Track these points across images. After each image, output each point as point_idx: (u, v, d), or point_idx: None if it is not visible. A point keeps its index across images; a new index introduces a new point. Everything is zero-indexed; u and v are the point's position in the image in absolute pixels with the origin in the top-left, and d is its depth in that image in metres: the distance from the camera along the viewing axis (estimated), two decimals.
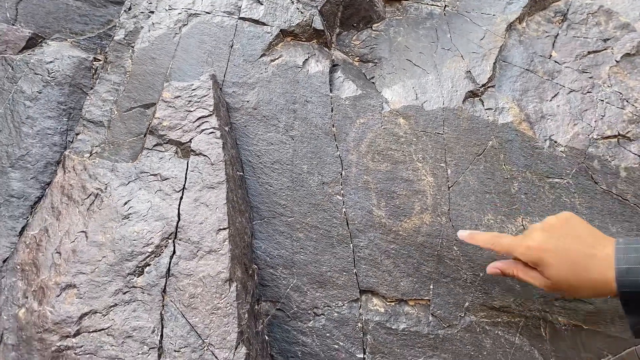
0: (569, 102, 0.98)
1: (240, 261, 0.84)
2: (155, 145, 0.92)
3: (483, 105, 0.98)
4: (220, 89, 1.00)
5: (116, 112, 1.00)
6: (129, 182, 0.89)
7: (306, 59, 1.03)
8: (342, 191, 0.94)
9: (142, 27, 1.08)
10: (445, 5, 1.13)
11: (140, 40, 1.05)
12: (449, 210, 0.92)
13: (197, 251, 0.82)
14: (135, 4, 1.11)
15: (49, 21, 1.12)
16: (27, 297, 0.82)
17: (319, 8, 1.05)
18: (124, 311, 0.78)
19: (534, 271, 0.73)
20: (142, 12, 1.10)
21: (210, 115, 0.92)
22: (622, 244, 0.65)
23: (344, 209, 0.94)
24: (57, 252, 0.83)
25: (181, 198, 0.86)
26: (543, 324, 0.89)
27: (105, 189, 0.88)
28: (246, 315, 0.80)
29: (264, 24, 1.05)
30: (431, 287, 0.91)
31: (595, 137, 0.94)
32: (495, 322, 0.89)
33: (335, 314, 0.90)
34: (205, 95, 0.94)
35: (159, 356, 0.75)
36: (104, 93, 1.04)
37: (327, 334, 0.90)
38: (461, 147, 0.95)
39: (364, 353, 0.89)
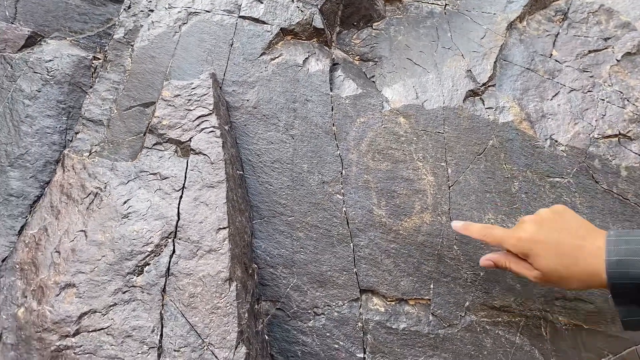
0: (569, 101, 0.97)
1: (240, 260, 0.84)
2: (154, 144, 0.92)
3: (483, 105, 0.98)
4: (220, 87, 1.00)
5: (116, 111, 1.00)
6: (129, 181, 0.88)
7: (306, 58, 1.02)
8: (342, 190, 0.94)
9: (141, 26, 1.07)
10: (446, 4, 1.13)
11: (140, 38, 1.05)
12: (449, 209, 0.92)
13: (197, 250, 0.81)
14: (135, 2, 1.10)
15: (48, 19, 1.12)
16: (26, 297, 0.81)
17: (319, 7, 1.05)
18: (123, 310, 0.78)
19: (525, 263, 0.73)
20: (141, 11, 1.10)
21: (210, 114, 0.92)
22: (613, 236, 0.65)
23: (344, 208, 0.93)
24: (56, 252, 0.83)
25: (181, 197, 0.86)
26: (544, 323, 0.89)
27: (105, 188, 0.87)
28: (246, 315, 0.80)
29: (264, 22, 1.04)
30: (431, 286, 0.91)
31: (596, 136, 0.94)
32: (495, 322, 0.89)
33: (336, 314, 0.90)
34: (205, 94, 0.94)
35: (159, 356, 0.75)
36: (104, 92, 1.03)
37: (327, 334, 0.89)
38: (462, 146, 0.95)
39: (364, 353, 0.89)
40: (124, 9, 1.11)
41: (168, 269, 0.81)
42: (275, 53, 1.03)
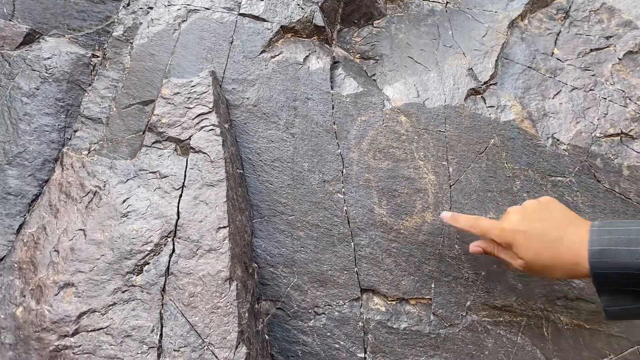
0: (571, 99, 0.97)
1: (240, 260, 0.84)
2: (154, 143, 0.91)
3: (485, 103, 0.97)
4: (220, 85, 0.99)
5: (115, 109, 0.99)
6: (128, 179, 0.88)
7: (307, 56, 1.02)
8: (343, 189, 0.94)
9: (141, 23, 1.06)
10: (447, 2, 1.12)
11: (139, 36, 1.04)
12: (450, 208, 0.92)
13: (197, 250, 0.81)
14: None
15: (47, 17, 1.11)
16: (24, 296, 0.81)
17: (319, 4, 1.04)
18: (123, 310, 0.77)
19: (510, 252, 0.75)
20: (140, 8, 1.09)
21: (210, 112, 0.91)
22: (597, 226, 0.66)
23: (344, 207, 0.93)
24: (55, 251, 0.82)
25: (180, 196, 0.85)
26: (545, 323, 0.88)
27: (104, 186, 0.87)
28: (246, 315, 0.79)
29: (264, 20, 1.04)
30: (432, 286, 0.90)
31: (597, 135, 0.94)
32: (497, 322, 0.89)
33: (336, 313, 0.90)
34: (204, 92, 0.93)
35: (159, 356, 0.74)
36: (103, 90, 1.02)
37: (328, 333, 0.89)
38: (463, 145, 0.94)
39: (365, 352, 0.88)
40: (123, 7, 1.10)
41: (168, 268, 0.80)
42: (276, 51, 1.02)
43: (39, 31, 1.09)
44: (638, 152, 0.91)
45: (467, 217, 0.82)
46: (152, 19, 1.05)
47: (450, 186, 0.93)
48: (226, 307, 0.77)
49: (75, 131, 0.99)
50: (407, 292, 0.90)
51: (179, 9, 1.05)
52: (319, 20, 1.04)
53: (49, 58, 1.03)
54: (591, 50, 1.02)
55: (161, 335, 0.76)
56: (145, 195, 0.85)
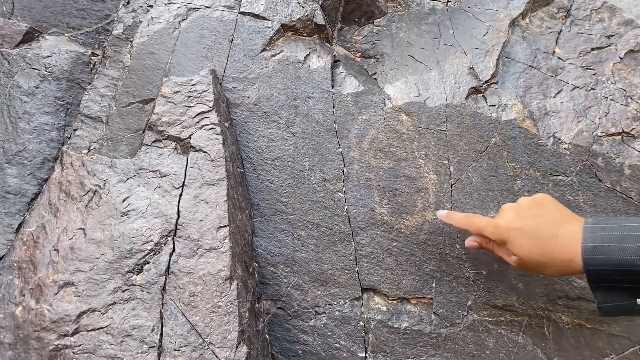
0: (572, 98, 0.97)
1: (240, 259, 0.83)
2: (154, 141, 0.91)
3: (486, 102, 0.97)
4: (220, 84, 0.99)
5: (115, 108, 0.99)
6: (128, 178, 0.87)
7: (307, 55, 1.01)
8: (343, 188, 0.93)
9: (140, 22, 1.06)
10: (448, 1, 1.12)
11: (139, 34, 1.04)
12: (451, 207, 0.91)
13: (197, 249, 0.81)
14: None
15: (46, 15, 1.11)
16: (24, 295, 0.80)
17: (320, 3, 1.04)
18: (123, 309, 0.77)
19: (505, 248, 0.75)
20: (140, 7, 1.08)
21: (210, 110, 0.91)
22: (590, 223, 0.66)
23: (345, 207, 0.93)
24: (54, 250, 0.82)
25: (181, 195, 0.85)
26: (546, 322, 0.88)
27: (104, 185, 0.86)
28: (247, 314, 0.79)
29: (264, 18, 1.03)
30: (433, 285, 0.90)
31: (599, 134, 0.93)
32: (498, 321, 0.89)
33: (337, 313, 0.89)
34: (205, 91, 0.93)
35: (159, 355, 0.74)
36: (102, 88, 1.02)
37: (329, 333, 0.89)
38: (464, 144, 0.94)
39: (366, 352, 0.88)
40: (123, 5, 1.10)
41: (168, 267, 0.80)
42: (276, 49, 1.02)
43: (38, 29, 1.09)
44: (639, 151, 0.91)
45: (462, 215, 0.83)
46: (152, 18, 1.05)
47: (451, 185, 0.92)
48: (227, 307, 0.76)
49: (75, 130, 0.98)
50: (408, 292, 0.90)
51: (179, 8, 1.05)
52: (319, 18, 1.03)
53: (48, 56, 1.03)
54: (592, 49, 1.02)
55: (161, 334, 0.76)
56: (145, 194, 0.85)
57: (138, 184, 0.86)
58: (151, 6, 1.07)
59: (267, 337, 0.89)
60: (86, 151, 0.95)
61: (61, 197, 0.87)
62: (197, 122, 0.90)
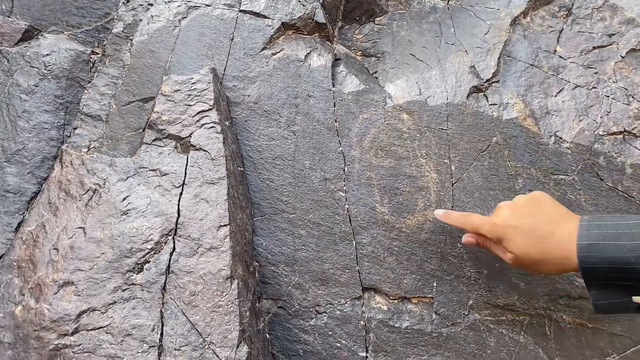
0: (574, 97, 0.96)
1: (241, 258, 0.83)
2: (154, 140, 0.90)
3: (487, 101, 0.97)
4: (221, 82, 0.99)
5: (114, 106, 0.99)
6: (128, 177, 0.87)
7: (308, 53, 1.01)
8: (344, 187, 0.93)
9: (140, 20, 1.06)
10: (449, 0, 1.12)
11: (139, 33, 1.03)
12: (452, 207, 0.91)
13: (198, 248, 0.80)
14: None
15: (45, 13, 1.10)
16: (23, 295, 0.80)
17: (321, 1, 1.04)
18: (123, 309, 0.77)
19: (501, 246, 0.75)
20: (140, 5, 1.08)
21: (211, 109, 0.90)
22: (586, 221, 0.66)
23: (346, 206, 0.92)
24: (54, 249, 0.82)
25: (181, 194, 0.85)
26: (548, 322, 0.88)
27: (104, 184, 0.86)
28: (248, 313, 0.78)
29: (265, 16, 1.03)
30: (434, 284, 0.90)
31: (600, 133, 0.93)
32: (499, 321, 0.88)
33: (338, 312, 0.89)
34: (205, 89, 0.92)
35: (159, 355, 0.74)
36: (102, 87, 1.02)
37: (329, 332, 0.88)
38: (465, 143, 0.94)
39: (367, 351, 0.88)
40: (123, 3, 1.09)
41: (168, 266, 0.79)
42: (277, 48, 1.02)
43: (37, 28, 1.08)
44: None
45: (459, 214, 0.84)
46: (152, 16, 1.04)
47: (453, 184, 0.92)
48: (227, 306, 0.76)
49: (74, 128, 0.98)
50: (409, 291, 0.90)
51: (179, 6, 1.04)
52: (320, 17, 1.03)
53: (47, 55, 1.02)
54: (594, 48, 1.01)
55: (162, 334, 0.75)
56: (145, 193, 0.85)
57: (138, 182, 0.86)
58: (151, 4, 1.07)
59: (268, 336, 0.89)
60: (86, 150, 0.94)
61: (61, 196, 0.87)
62: (198, 121, 0.90)
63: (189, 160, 0.87)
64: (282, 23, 1.02)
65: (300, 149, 0.95)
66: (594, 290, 0.65)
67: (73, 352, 0.74)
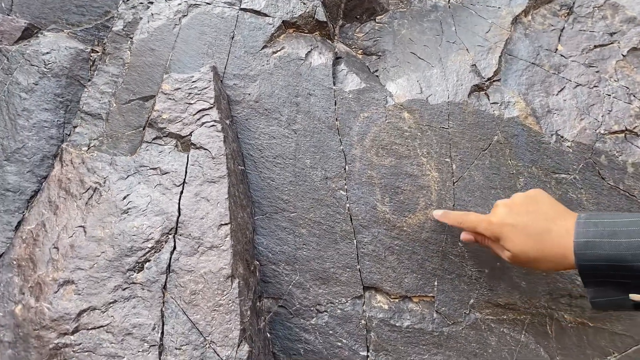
0: (575, 96, 0.96)
1: (242, 257, 0.83)
2: (154, 139, 0.90)
3: (488, 100, 0.96)
4: (221, 81, 0.98)
5: (115, 105, 0.98)
6: (128, 176, 0.87)
7: (309, 51, 1.01)
8: (345, 186, 0.93)
9: (141, 18, 1.05)
10: None
11: (139, 31, 1.03)
12: (454, 206, 0.91)
13: (198, 247, 0.80)
14: None
15: (45, 11, 1.10)
16: (23, 293, 0.80)
17: None
18: (123, 308, 0.76)
19: (498, 243, 0.76)
20: (141, 3, 1.08)
21: (211, 107, 0.90)
22: (583, 219, 0.67)
23: (347, 205, 0.92)
24: (54, 248, 0.81)
25: (181, 192, 0.84)
26: (549, 321, 0.88)
27: (104, 182, 0.86)
28: (248, 313, 0.78)
29: (265, 15, 1.02)
30: (435, 283, 0.90)
31: (602, 132, 0.93)
32: (500, 320, 0.88)
33: (339, 311, 0.89)
34: (205, 88, 0.92)
35: (160, 354, 0.74)
36: (102, 85, 1.01)
37: (330, 331, 0.88)
38: (466, 142, 0.94)
39: (368, 350, 0.88)
40: (123, 1, 1.09)
41: (169, 265, 0.79)
42: (277, 46, 1.01)
43: (37, 26, 1.08)
44: None
45: (456, 213, 0.84)
46: (152, 14, 1.04)
47: (454, 183, 0.92)
48: (228, 305, 0.76)
49: (74, 127, 0.98)
50: (410, 290, 0.89)
51: (179, 4, 1.04)
52: (321, 15, 1.03)
53: (47, 53, 1.02)
54: (595, 46, 1.01)
55: (162, 333, 0.75)
56: (145, 192, 0.84)
57: (138, 181, 0.86)
58: (151, 2, 1.06)
59: (269, 335, 0.88)
60: (86, 148, 0.94)
61: (61, 194, 0.86)
62: (198, 119, 0.89)
63: (189, 158, 0.86)
64: (283, 21, 1.02)
65: (301, 148, 0.95)
66: (591, 287, 0.65)
67: (73, 351, 0.74)
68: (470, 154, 0.93)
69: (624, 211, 0.89)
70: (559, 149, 0.92)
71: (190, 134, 0.88)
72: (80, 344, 0.74)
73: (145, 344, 0.74)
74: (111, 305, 0.77)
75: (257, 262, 0.91)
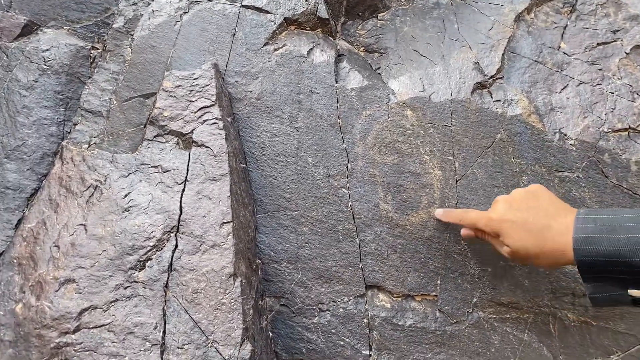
0: (578, 94, 0.96)
1: (244, 256, 0.82)
2: (155, 136, 0.90)
3: (491, 97, 0.96)
4: (223, 78, 0.98)
5: (115, 102, 0.97)
6: (129, 173, 0.86)
7: (311, 49, 1.00)
8: (347, 184, 0.92)
9: (141, 15, 1.04)
10: None
11: (140, 28, 1.02)
12: (456, 204, 0.91)
13: (200, 245, 0.79)
14: None
15: (44, 8, 1.09)
16: (24, 292, 0.79)
17: None
18: (125, 307, 0.76)
19: (498, 239, 0.76)
20: (141, 0, 1.07)
21: (213, 105, 0.89)
22: (582, 214, 0.67)
23: (349, 203, 0.92)
24: (55, 246, 0.81)
25: (183, 190, 0.84)
26: (552, 320, 0.87)
27: (105, 180, 0.85)
28: (251, 311, 0.78)
29: (267, 12, 1.02)
30: (438, 282, 0.89)
31: (605, 130, 0.93)
32: (503, 318, 0.88)
33: (341, 310, 0.88)
34: (207, 85, 0.91)
35: (162, 353, 0.73)
36: (103, 82, 1.01)
37: (333, 330, 0.88)
38: (469, 140, 0.93)
39: (370, 349, 0.87)
40: None
41: (171, 264, 0.79)
42: (279, 43, 1.01)
43: (37, 23, 1.07)
44: None
45: (457, 211, 0.85)
46: (153, 11, 1.03)
47: (457, 181, 0.91)
48: (230, 304, 0.75)
49: (75, 124, 0.97)
50: (413, 289, 0.89)
51: (180, 1, 1.03)
52: (323, 12, 1.02)
53: (47, 50, 1.01)
54: (598, 44, 1.01)
55: (164, 332, 0.75)
56: (147, 190, 0.84)
57: (140, 179, 0.85)
58: None
59: (271, 334, 0.88)
60: (86, 146, 0.93)
61: (61, 192, 0.86)
62: (200, 117, 0.89)
63: (191, 156, 0.86)
64: (285, 18, 1.01)
65: (303, 146, 0.94)
66: (590, 283, 0.65)
67: (74, 350, 0.73)
68: (473, 152, 0.92)
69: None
70: (562, 147, 0.92)
71: (192, 132, 0.88)
72: (81, 343, 0.74)
73: (147, 343, 0.73)
74: (112, 304, 0.76)
75: (259, 261, 0.90)
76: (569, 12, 1.05)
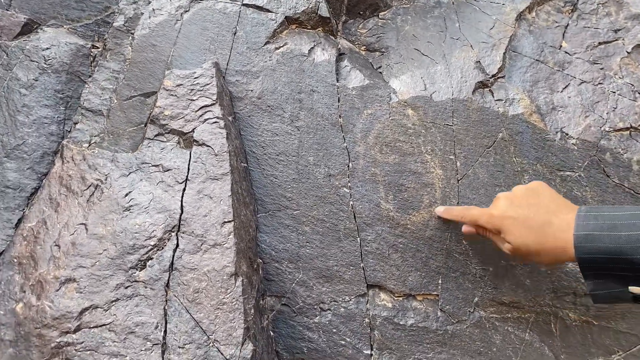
0: (580, 93, 0.96)
1: (245, 255, 0.82)
2: (156, 135, 0.89)
3: (493, 96, 0.96)
4: (224, 77, 0.97)
5: (116, 101, 0.97)
6: (130, 173, 0.86)
7: (312, 48, 1.00)
8: (349, 184, 0.92)
9: (142, 14, 1.04)
10: None
11: (141, 26, 1.02)
12: (458, 203, 0.90)
13: (202, 244, 0.79)
14: None
15: (44, 7, 1.09)
16: (24, 292, 0.79)
17: None
18: (126, 306, 0.76)
19: (499, 236, 0.75)
20: None
21: (214, 104, 0.89)
22: (583, 212, 0.66)
23: (351, 202, 0.91)
24: (55, 245, 0.80)
25: (184, 190, 0.83)
26: (553, 319, 0.87)
27: (106, 179, 0.85)
28: (252, 311, 0.77)
29: (268, 10, 1.02)
30: (440, 281, 0.89)
31: (607, 129, 0.92)
32: (505, 318, 0.88)
33: (342, 309, 0.88)
34: (208, 84, 0.91)
35: (163, 352, 0.73)
36: (103, 81, 1.00)
37: (334, 330, 0.88)
38: (471, 139, 0.93)
39: (371, 349, 0.87)
40: None
41: (172, 263, 0.78)
42: (280, 42, 1.00)
43: (37, 21, 1.06)
44: None
45: (458, 208, 0.85)
46: (153, 9, 1.03)
47: (458, 181, 0.91)
48: (232, 303, 0.75)
49: (75, 123, 0.97)
50: (414, 288, 0.89)
51: None
52: (324, 11, 1.02)
53: (47, 49, 1.01)
54: (599, 43, 1.00)
55: (165, 331, 0.74)
56: (148, 189, 0.84)
57: (140, 178, 0.85)
58: None
59: (272, 334, 0.88)
60: (87, 145, 0.93)
61: (62, 191, 0.86)
62: (200, 116, 0.88)
63: (192, 155, 0.86)
64: (286, 17, 1.01)
65: (304, 145, 0.94)
66: (591, 280, 0.65)
67: (75, 350, 0.73)
68: (474, 151, 0.92)
69: None
70: (563, 146, 0.92)
71: (193, 131, 0.87)
72: (82, 342, 0.74)
73: (148, 343, 0.73)
74: (113, 303, 0.76)
75: (260, 260, 0.90)
76: (570, 11, 1.05)
